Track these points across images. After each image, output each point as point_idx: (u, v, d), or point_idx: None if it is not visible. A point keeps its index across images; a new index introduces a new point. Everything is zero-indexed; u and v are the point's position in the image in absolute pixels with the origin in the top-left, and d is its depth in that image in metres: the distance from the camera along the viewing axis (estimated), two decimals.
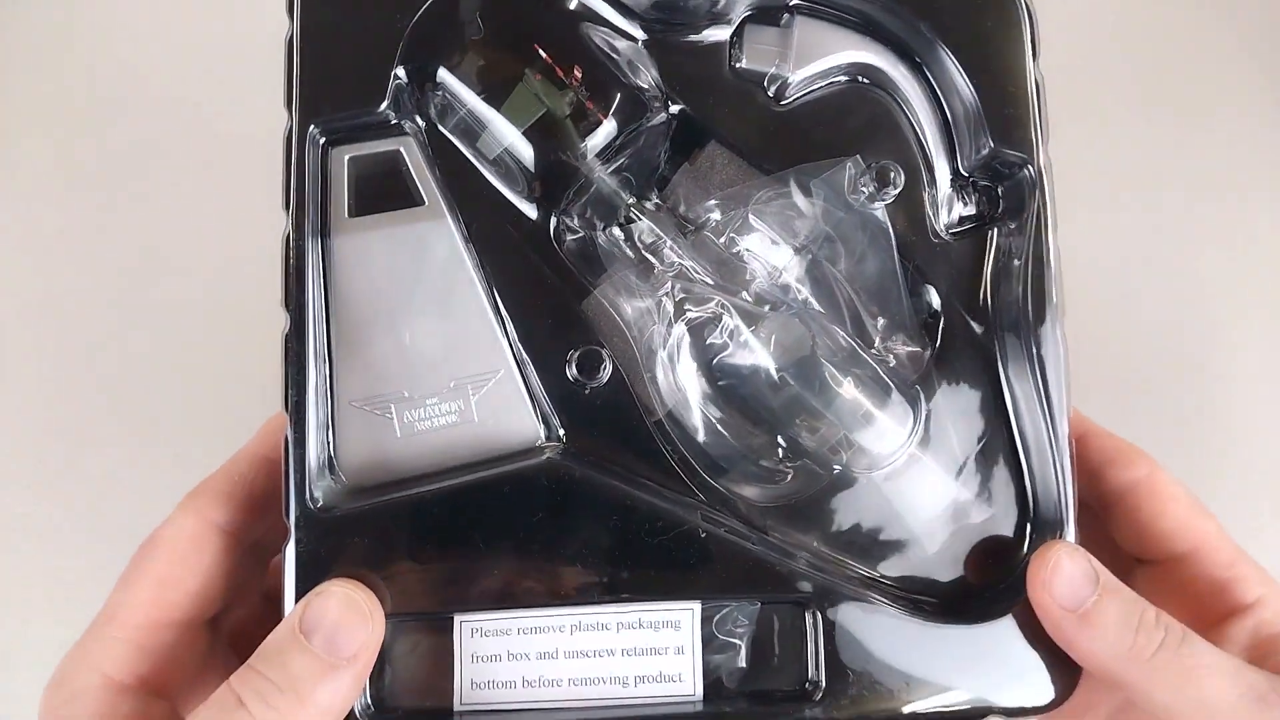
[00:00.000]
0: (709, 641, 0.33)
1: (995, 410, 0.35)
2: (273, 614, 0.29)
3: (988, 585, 0.34)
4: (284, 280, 0.31)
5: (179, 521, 0.31)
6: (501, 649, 0.32)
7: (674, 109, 0.35)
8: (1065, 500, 0.34)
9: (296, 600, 0.30)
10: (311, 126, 0.32)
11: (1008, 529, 0.35)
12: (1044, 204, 0.35)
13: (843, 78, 0.36)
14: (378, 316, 0.33)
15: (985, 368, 0.36)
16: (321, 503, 0.31)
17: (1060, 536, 0.34)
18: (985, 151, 0.35)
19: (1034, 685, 0.33)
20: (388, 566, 0.31)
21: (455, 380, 0.33)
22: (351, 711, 0.30)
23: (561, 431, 0.33)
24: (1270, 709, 0.30)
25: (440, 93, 0.33)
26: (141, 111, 0.49)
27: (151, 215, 0.48)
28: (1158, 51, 0.44)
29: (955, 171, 0.36)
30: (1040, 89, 0.35)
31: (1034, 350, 0.35)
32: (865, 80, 0.36)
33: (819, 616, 0.32)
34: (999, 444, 0.35)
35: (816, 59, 0.36)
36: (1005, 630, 0.33)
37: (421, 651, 0.32)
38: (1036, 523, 0.35)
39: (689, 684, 0.32)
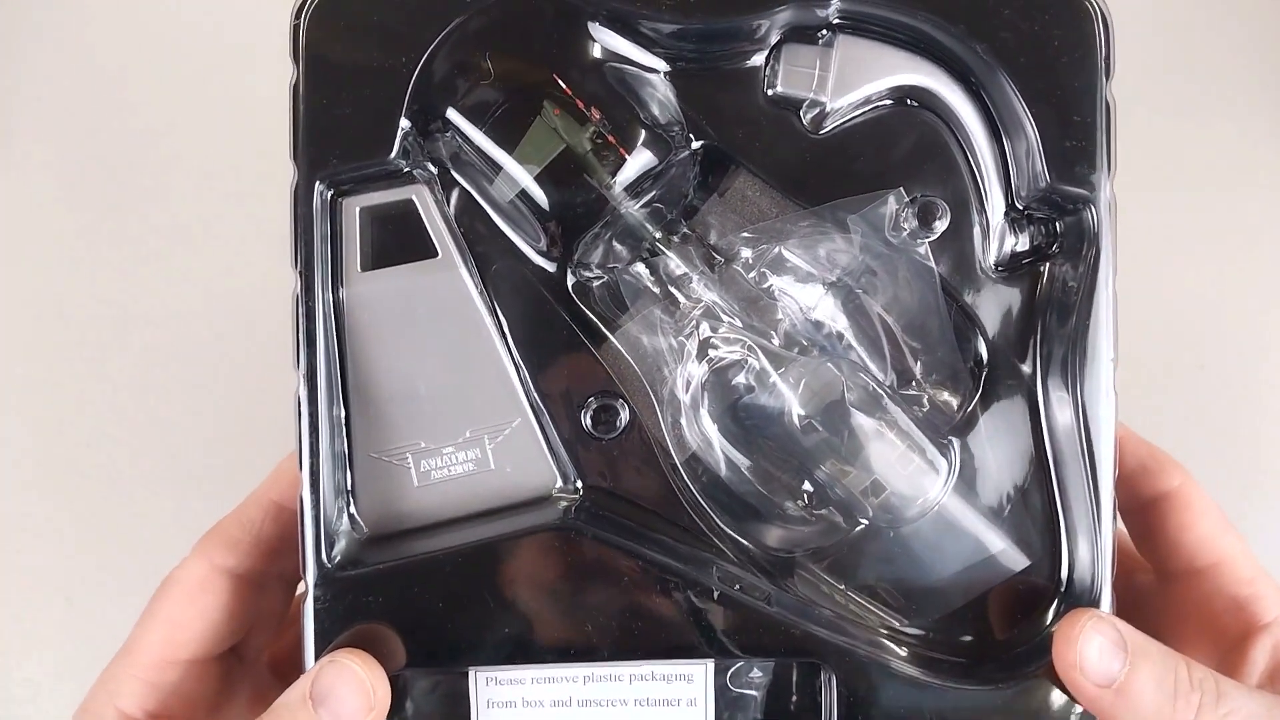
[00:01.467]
0: (723, 693, 0.33)
1: (1035, 463, 0.34)
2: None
3: (1016, 643, 0.33)
4: (294, 338, 0.31)
5: (189, 566, 0.33)
6: (516, 696, 0.32)
7: (700, 143, 0.33)
8: (1101, 567, 0.32)
9: (315, 656, 0.31)
10: (318, 181, 0.31)
11: (1040, 586, 0.33)
12: (1101, 248, 0.32)
13: (888, 100, 0.33)
14: (393, 368, 0.32)
15: (1028, 417, 0.34)
16: (339, 560, 0.31)
17: (1097, 597, 0.33)
18: (1043, 185, 0.32)
19: None
20: (403, 623, 0.31)
21: (472, 430, 0.33)
22: None
23: (578, 481, 0.33)
24: None
25: (450, 134, 0.32)
26: (143, 114, 0.48)
27: (154, 218, 0.48)
28: (1158, 51, 0.40)
29: (1010, 203, 0.34)
30: (1111, 114, 0.32)
31: (1082, 403, 0.32)
32: (913, 103, 0.33)
33: (834, 680, 0.32)
34: (1037, 499, 0.34)
35: (860, 83, 0.33)
36: (1035, 691, 0.32)
37: (439, 695, 0.33)
38: (1070, 588, 0.33)
39: None
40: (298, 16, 0.31)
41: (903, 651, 0.33)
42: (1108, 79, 0.32)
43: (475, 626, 0.31)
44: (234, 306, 0.46)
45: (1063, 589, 0.33)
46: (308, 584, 0.31)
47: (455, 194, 0.33)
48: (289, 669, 0.35)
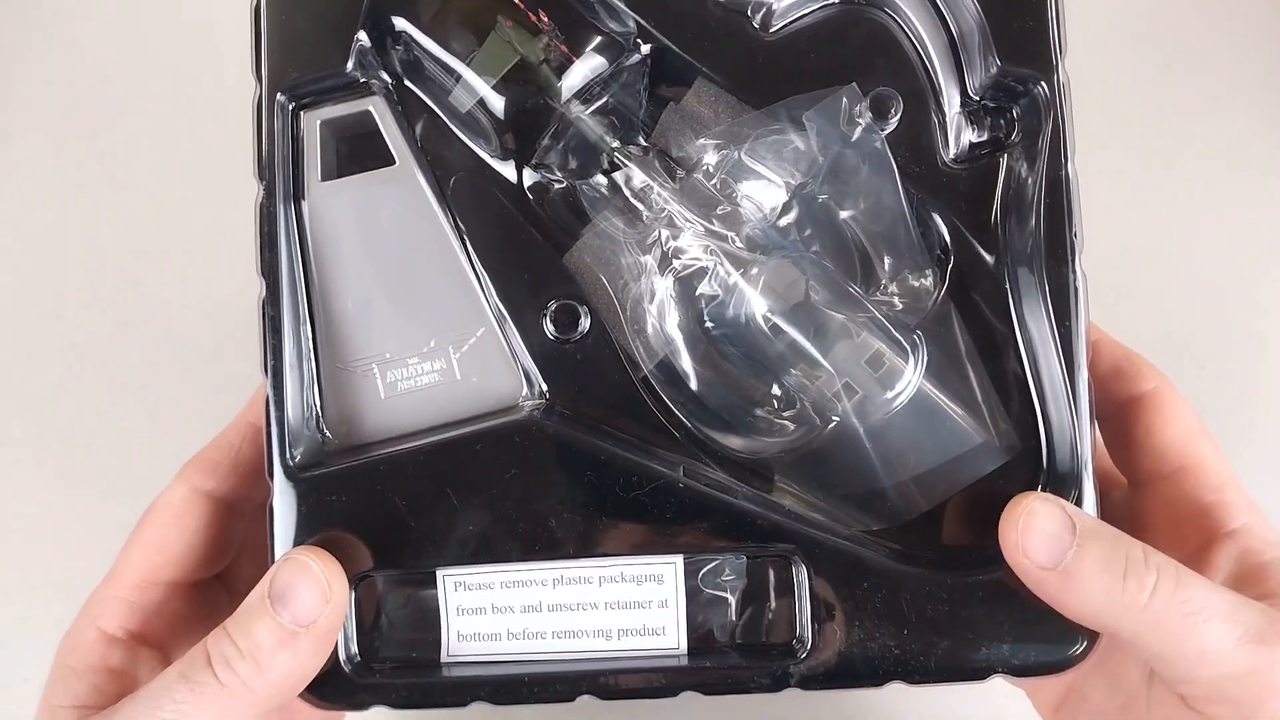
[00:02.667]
0: (695, 595, 0.32)
1: (1010, 351, 0.33)
2: None
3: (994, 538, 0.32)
4: (258, 246, 0.32)
5: (171, 490, 0.34)
6: (486, 602, 0.32)
7: (650, 46, 0.34)
8: (1081, 449, 0.32)
9: (274, 557, 0.31)
10: (279, 94, 0.32)
11: (1019, 479, 0.32)
12: (1061, 126, 0.32)
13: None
14: (355, 278, 0.33)
15: (997, 306, 0.33)
16: (301, 461, 0.31)
17: (1077, 490, 0.32)
18: (994, 71, 0.32)
19: (1051, 641, 0.31)
20: (369, 523, 0.31)
21: (435, 339, 0.33)
22: (338, 663, 0.31)
23: (544, 387, 0.33)
24: (1271, 648, 0.28)
25: (403, 47, 0.32)
26: (144, 114, 0.49)
27: (151, 214, 0.48)
28: (1158, 50, 0.41)
29: (964, 95, 0.34)
30: None
31: (1049, 287, 0.32)
32: (860, 1, 0.34)
33: (806, 569, 0.31)
34: (1011, 388, 0.33)
35: None
36: (1013, 581, 0.31)
37: (410, 605, 0.33)
38: (1051, 473, 0.32)
39: (672, 637, 0.32)
40: None
41: (877, 546, 0.32)
42: None
43: (441, 525, 0.31)
44: (235, 306, 0.46)
45: (1043, 484, 0.32)
46: (272, 484, 0.31)
47: (413, 105, 0.33)
48: None
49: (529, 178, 0.34)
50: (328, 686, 0.31)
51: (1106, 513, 0.32)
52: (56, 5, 0.50)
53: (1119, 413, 0.35)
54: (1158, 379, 0.35)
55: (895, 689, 0.31)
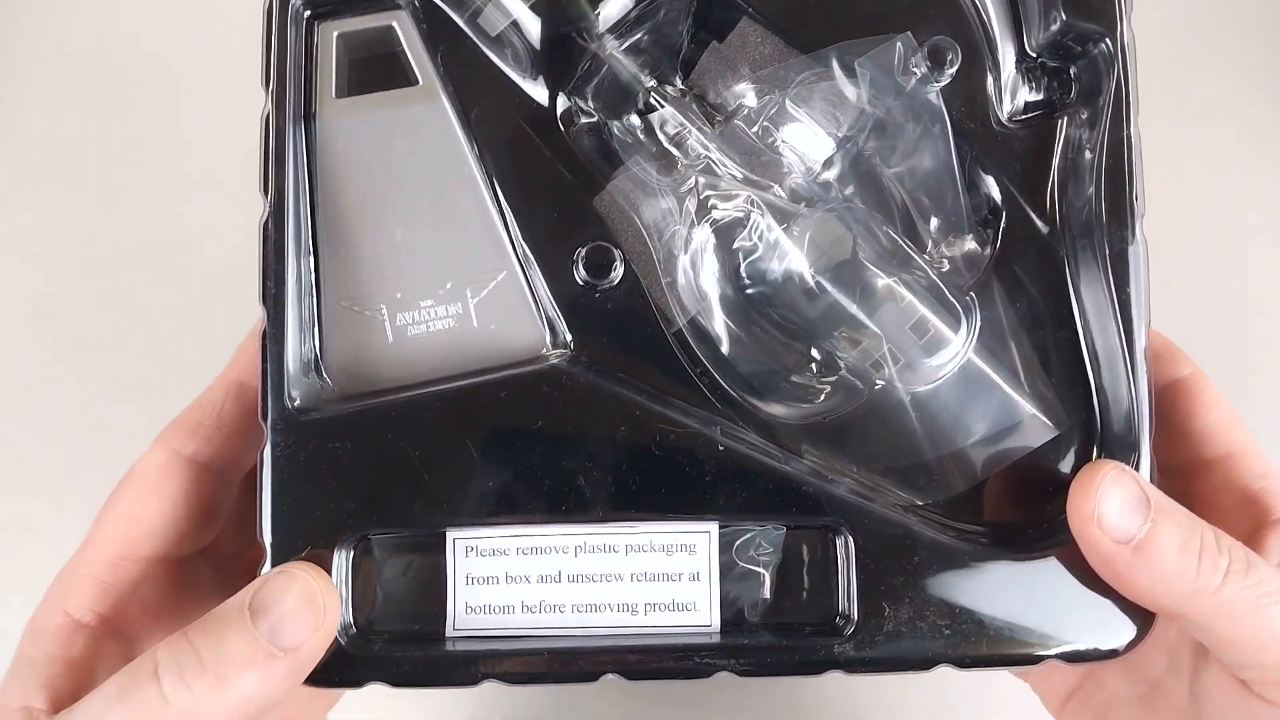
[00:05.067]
0: (729, 569, 0.30)
1: (1062, 320, 0.31)
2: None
3: (1051, 514, 0.30)
4: (262, 162, 0.28)
5: (148, 455, 0.30)
6: (499, 570, 0.29)
7: None
8: (1140, 422, 0.30)
9: (271, 510, 0.27)
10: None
11: (1074, 452, 0.31)
12: (1124, 85, 0.30)
13: None
14: (367, 208, 0.30)
15: (1051, 272, 0.31)
16: (300, 403, 0.28)
17: (1135, 463, 0.30)
18: (1056, 26, 0.31)
19: (1105, 626, 0.29)
20: (375, 475, 0.28)
21: (452, 281, 0.30)
22: (335, 638, 0.28)
23: (569, 338, 0.30)
24: None
25: None
26: (144, 113, 0.48)
27: (151, 213, 0.47)
28: (1158, 51, 0.41)
29: (1021, 51, 0.32)
30: None
31: (1108, 253, 0.30)
32: None
33: (851, 542, 0.29)
34: (1066, 358, 0.31)
35: None
36: (1070, 562, 0.29)
37: (412, 573, 0.29)
38: (1106, 446, 0.30)
39: (704, 613, 0.29)
40: None
41: (928, 520, 0.30)
42: None
43: (457, 479, 0.28)
44: (236, 306, 0.44)
45: (1098, 450, 0.30)
46: (266, 428, 0.28)
47: (440, 23, 0.30)
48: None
49: (562, 104, 0.31)
50: (321, 661, 0.27)
51: None
52: (56, 5, 0.48)
53: (1157, 397, 0.33)
54: (1191, 365, 0.34)
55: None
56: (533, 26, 0.30)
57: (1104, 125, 0.31)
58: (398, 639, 0.28)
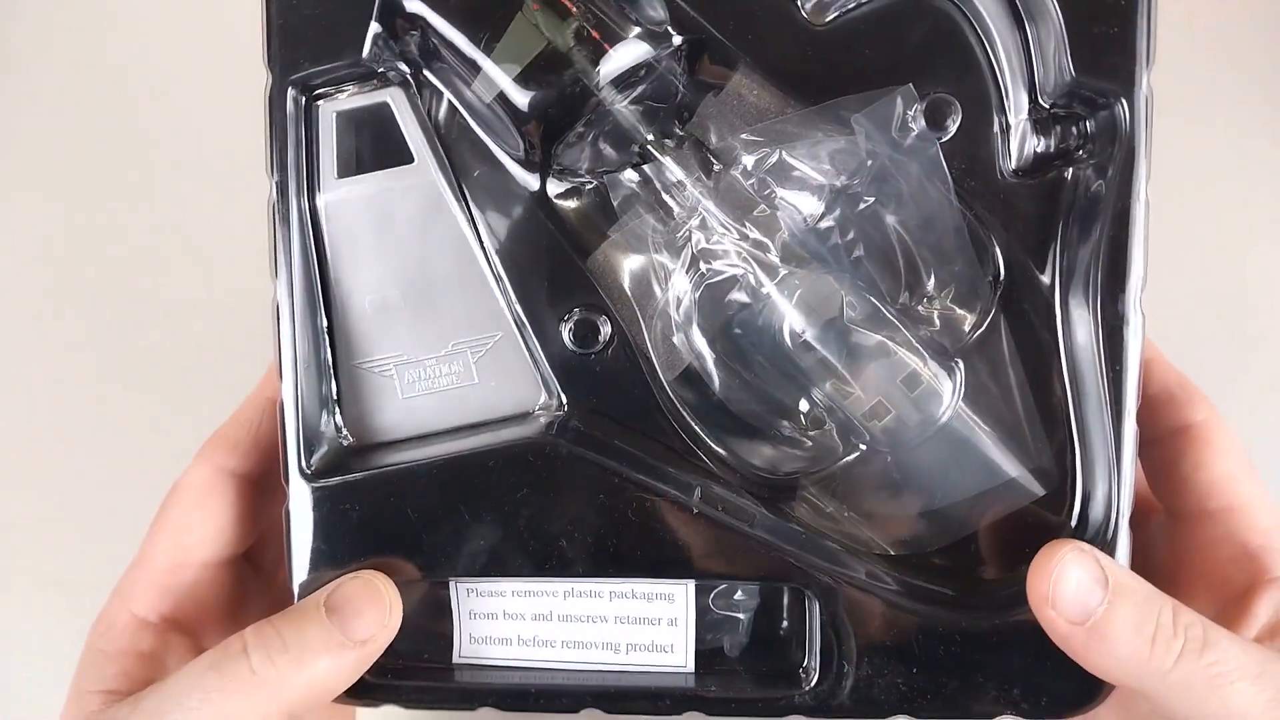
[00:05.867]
0: (706, 614, 0.32)
1: (1054, 383, 0.31)
2: None
3: (1011, 580, 0.31)
4: (270, 246, 0.31)
5: (193, 471, 0.33)
6: (498, 608, 0.32)
7: (688, 37, 0.31)
8: (1119, 503, 0.30)
9: (297, 563, 0.31)
10: (291, 82, 0.30)
11: (1050, 521, 0.31)
12: (1136, 150, 0.29)
13: None
14: (372, 278, 0.32)
15: (1048, 334, 0.31)
16: (319, 467, 0.31)
17: (1112, 536, 0.30)
18: (1069, 79, 0.29)
19: (1063, 689, 0.31)
20: (383, 532, 0.31)
21: (454, 343, 0.32)
22: None
23: (563, 397, 0.32)
24: None
25: (419, 32, 0.30)
26: (142, 107, 0.47)
27: (152, 213, 0.47)
28: (1165, 50, 0.36)
29: (1033, 100, 0.30)
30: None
31: (1103, 325, 0.30)
32: None
33: (817, 605, 0.31)
34: (1055, 421, 0.31)
35: None
36: (1025, 630, 0.30)
37: (425, 605, 0.33)
38: (1083, 524, 0.31)
39: (680, 655, 0.32)
40: None
41: (891, 581, 0.31)
42: None
43: (453, 538, 0.31)
44: (236, 305, 0.45)
45: (1073, 525, 0.31)
46: (288, 489, 0.31)
47: (432, 96, 0.31)
48: None
49: (554, 164, 0.32)
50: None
51: (1142, 540, 0.31)
52: (56, 4, 0.48)
53: (1166, 439, 0.33)
54: (1208, 410, 0.33)
55: None
56: (521, 97, 0.30)
57: (1111, 190, 0.29)
58: (411, 667, 0.33)
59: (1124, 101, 0.29)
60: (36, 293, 0.47)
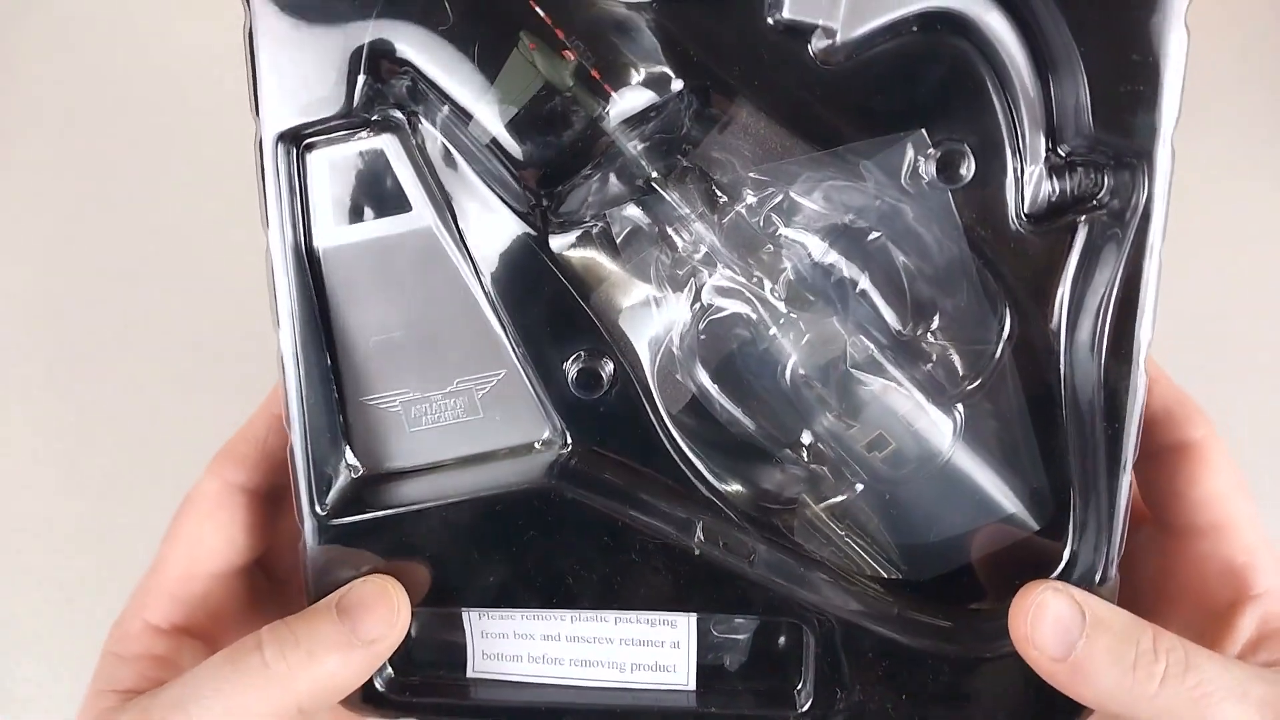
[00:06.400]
0: (707, 638, 0.34)
1: (1054, 428, 0.31)
2: None
3: (1001, 612, 0.32)
4: (272, 298, 0.31)
5: (203, 484, 0.34)
6: (508, 628, 0.34)
7: (694, 79, 0.29)
8: (1110, 548, 0.31)
9: (311, 595, 0.33)
10: (280, 132, 0.29)
11: (1044, 558, 0.32)
12: (1150, 214, 0.28)
13: (914, 27, 0.29)
14: (375, 319, 0.32)
15: (1051, 381, 0.31)
16: (333, 507, 0.32)
17: (1101, 577, 0.31)
18: (1088, 134, 0.28)
19: (1044, 716, 0.32)
20: (395, 569, 0.33)
21: (459, 380, 0.33)
22: (374, 683, 0.34)
23: (566, 435, 0.33)
24: None
25: (409, 76, 0.29)
26: (142, 112, 0.46)
27: (153, 215, 0.46)
28: None
29: (1051, 148, 0.29)
30: (1184, 52, 0.27)
31: (1105, 383, 0.30)
32: (941, 28, 0.29)
33: (811, 640, 0.32)
34: (1052, 461, 0.31)
35: (882, 9, 0.28)
36: (1017, 662, 0.32)
37: (438, 623, 0.35)
38: (1074, 562, 0.32)
39: (682, 674, 0.34)
40: None
41: (885, 613, 0.32)
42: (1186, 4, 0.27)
43: (463, 575, 0.32)
44: (235, 305, 0.45)
45: (1064, 562, 0.32)
46: (302, 530, 0.32)
47: (428, 140, 0.30)
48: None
49: (553, 203, 0.31)
50: (363, 694, 0.34)
51: (1131, 549, 0.32)
52: (56, 6, 0.46)
53: (1162, 455, 0.33)
54: (1206, 428, 0.33)
55: None
56: (517, 142, 0.30)
57: (1124, 251, 0.29)
58: (426, 683, 0.34)
59: (1145, 164, 0.28)
60: (38, 293, 0.47)
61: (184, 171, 0.47)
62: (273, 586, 0.37)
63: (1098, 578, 0.31)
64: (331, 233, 0.31)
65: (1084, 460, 0.31)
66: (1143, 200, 0.28)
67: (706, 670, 0.34)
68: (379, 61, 0.29)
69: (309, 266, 0.31)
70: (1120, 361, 0.29)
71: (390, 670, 0.34)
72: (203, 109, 0.46)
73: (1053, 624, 0.29)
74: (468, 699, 0.34)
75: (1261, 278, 0.44)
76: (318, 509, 0.32)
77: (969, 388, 0.32)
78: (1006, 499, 0.32)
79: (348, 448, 0.33)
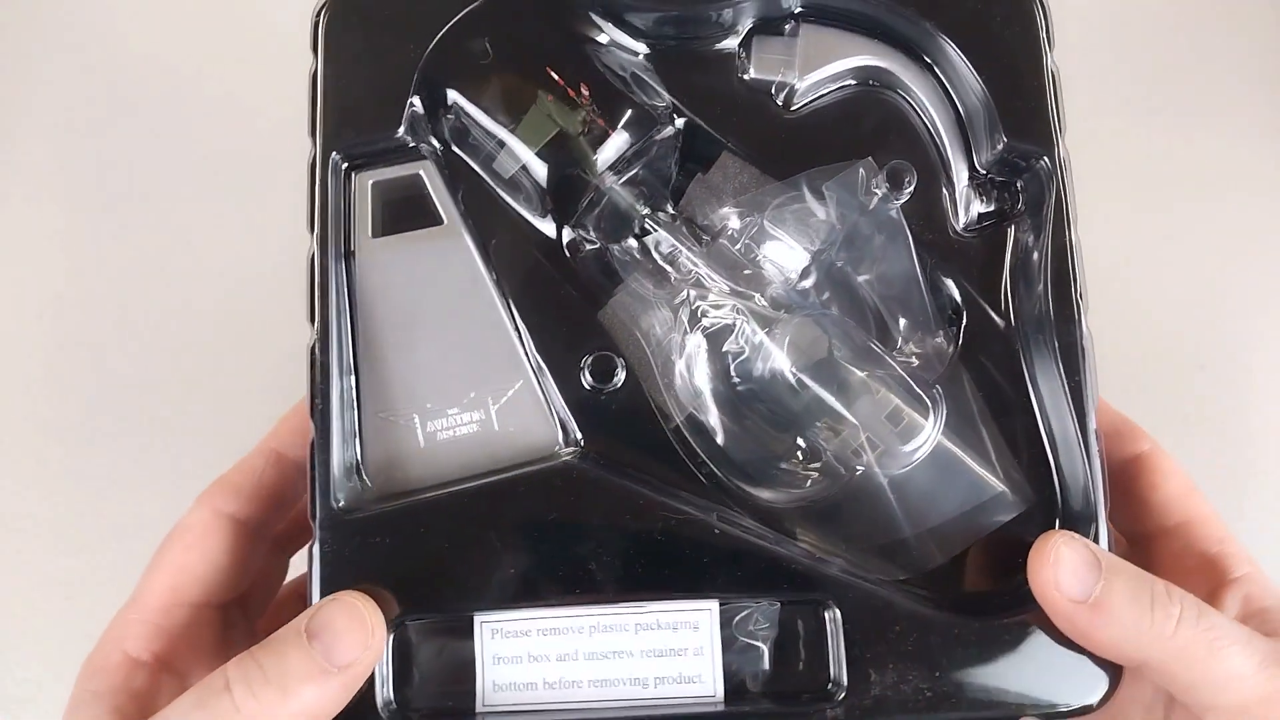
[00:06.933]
0: (730, 644, 0.33)
1: (1022, 406, 0.35)
2: (298, 610, 0.30)
3: (1018, 584, 0.33)
4: (309, 297, 0.33)
5: (194, 513, 0.34)
6: (522, 651, 0.32)
7: (683, 121, 0.36)
8: (1095, 496, 0.33)
9: (320, 598, 0.31)
10: (334, 154, 0.34)
11: (1036, 527, 0.34)
12: (1063, 197, 0.34)
13: (852, 81, 0.37)
14: (400, 331, 0.34)
15: (1010, 363, 0.35)
16: (344, 504, 0.32)
17: (1094, 533, 0.33)
18: (1000, 147, 0.35)
19: (1079, 682, 0.32)
20: (409, 566, 0.32)
21: (475, 391, 0.34)
22: (374, 709, 0.31)
23: (579, 436, 0.34)
24: None
25: (453, 116, 0.35)
26: (147, 113, 0.50)
27: (155, 217, 0.49)
28: (1163, 51, 0.44)
29: (972, 169, 0.36)
30: (1056, 79, 0.35)
31: (1058, 345, 0.34)
32: (875, 83, 0.36)
33: (838, 615, 0.32)
34: (1027, 440, 0.35)
35: (824, 65, 0.36)
36: (1041, 624, 0.32)
37: (445, 654, 0.32)
38: (1066, 519, 0.34)
39: (709, 684, 0.32)
40: (317, 14, 0.34)
41: (909, 590, 0.33)
42: (1049, 49, 0.35)
43: (481, 567, 0.32)
44: (235, 306, 0.47)
45: (1059, 522, 0.34)
46: (314, 526, 0.31)
47: (460, 169, 0.35)
48: None
49: (568, 235, 0.35)
50: None
51: None
52: (57, 4, 0.51)
53: (1118, 470, 0.37)
54: (1150, 441, 0.37)
55: None
56: (540, 170, 0.35)
57: (1048, 232, 0.35)
58: (432, 714, 0.32)
59: (1046, 159, 0.35)
60: (38, 293, 0.47)
61: (188, 172, 0.48)
62: (247, 624, 0.35)
63: (1092, 529, 0.33)
64: (368, 243, 0.34)
65: (1052, 422, 0.34)
66: (1055, 185, 0.34)
67: (733, 683, 0.33)
68: (425, 100, 0.34)
69: (346, 274, 0.34)
70: (1066, 322, 0.34)
71: (394, 704, 0.32)
72: (205, 110, 0.48)
73: (1072, 567, 0.31)
74: None
75: (1263, 277, 0.48)
76: (331, 502, 0.32)
77: (937, 379, 0.35)
78: (993, 477, 0.35)
79: (362, 466, 0.33)
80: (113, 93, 0.51)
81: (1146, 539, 0.36)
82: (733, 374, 0.36)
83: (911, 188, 0.36)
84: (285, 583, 0.38)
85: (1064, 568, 0.31)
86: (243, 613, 0.35)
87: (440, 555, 0.32)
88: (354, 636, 0.29)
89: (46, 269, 0.49)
